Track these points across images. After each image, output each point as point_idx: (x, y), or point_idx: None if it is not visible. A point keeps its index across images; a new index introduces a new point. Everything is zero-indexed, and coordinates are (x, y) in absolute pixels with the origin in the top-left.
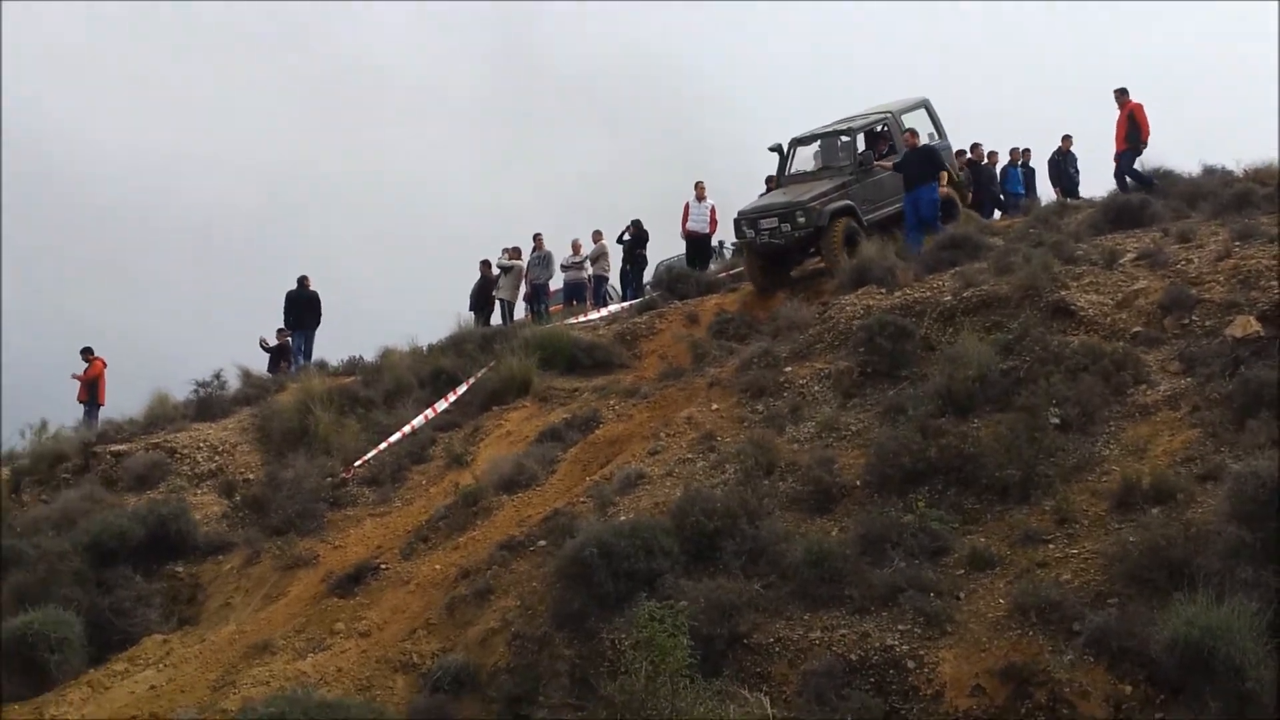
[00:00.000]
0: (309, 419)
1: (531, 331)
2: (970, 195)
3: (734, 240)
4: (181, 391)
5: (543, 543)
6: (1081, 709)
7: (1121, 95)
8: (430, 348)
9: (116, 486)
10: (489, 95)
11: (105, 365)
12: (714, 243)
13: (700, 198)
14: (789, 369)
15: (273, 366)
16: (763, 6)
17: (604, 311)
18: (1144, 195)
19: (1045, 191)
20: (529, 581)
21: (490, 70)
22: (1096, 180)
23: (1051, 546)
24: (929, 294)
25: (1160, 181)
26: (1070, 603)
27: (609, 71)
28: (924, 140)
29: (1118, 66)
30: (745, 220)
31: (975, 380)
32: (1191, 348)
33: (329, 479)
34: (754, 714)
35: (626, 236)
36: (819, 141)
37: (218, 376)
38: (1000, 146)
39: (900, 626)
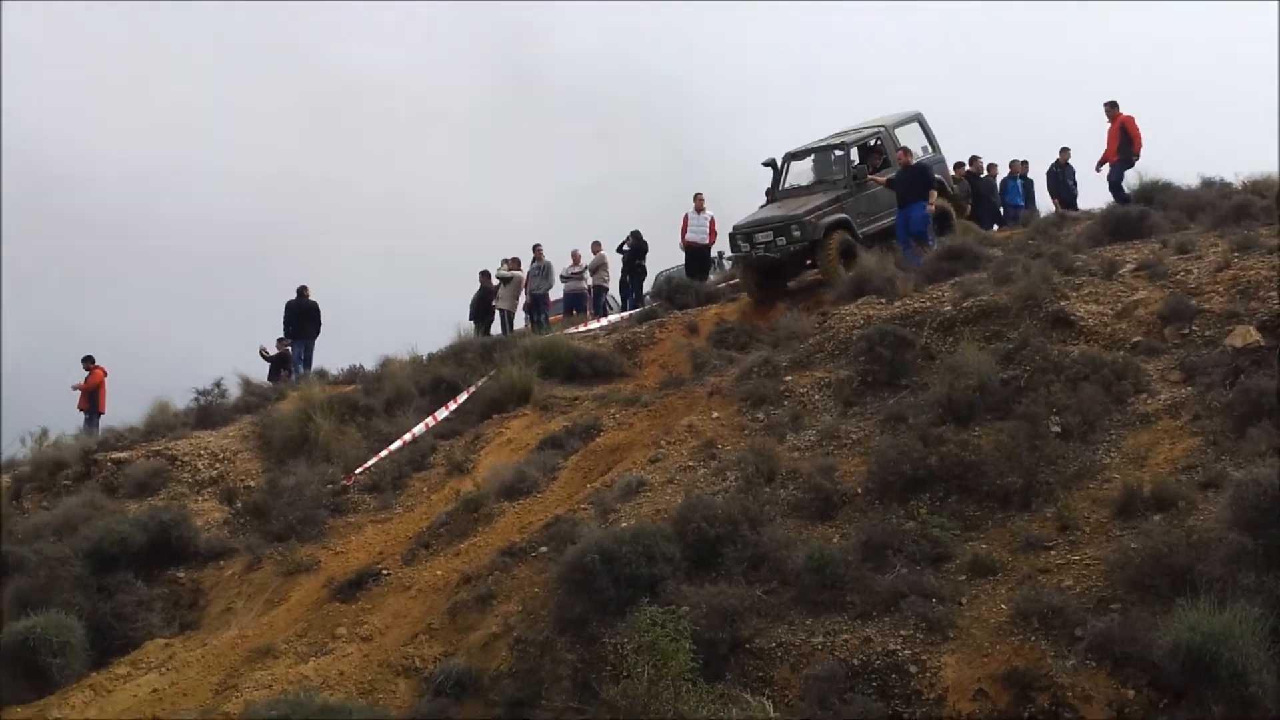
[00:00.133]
0: (309, 427)
1: (531, 341)
2: (969, 207)
3: (730, 254)
4: (182, 400)
5: (544, 549)
6: (1084, 713)
7: (1111, 108)
8: (430, 357)
9: (117, 493)
10: (489, 106)
11: (106, 374)
12: (713, 254)
13: (699, 209)
14: (789, 378)
15: (273, 375)
16: (763, 20)
17: (604, 321)
18: (1143, 207)
19: (1044, 203)
20: (531, 587)
21: (490, 82)
22: (1095, 192)
23: (1053, 553)
24: (929, 304)
25: (1158, 194)
26: (1072, 608)
27: (608, 83)
28: (917, 155)
29: (1113, 75)
30: (740, 234)
31: (976, 389)
32: (1191, 357)
33: (330, 486)
34: (756, 718)
35: (626, 247)
36: (813, 156)
37: (218, 385)
38: (995, 157)
39: (902, 631)
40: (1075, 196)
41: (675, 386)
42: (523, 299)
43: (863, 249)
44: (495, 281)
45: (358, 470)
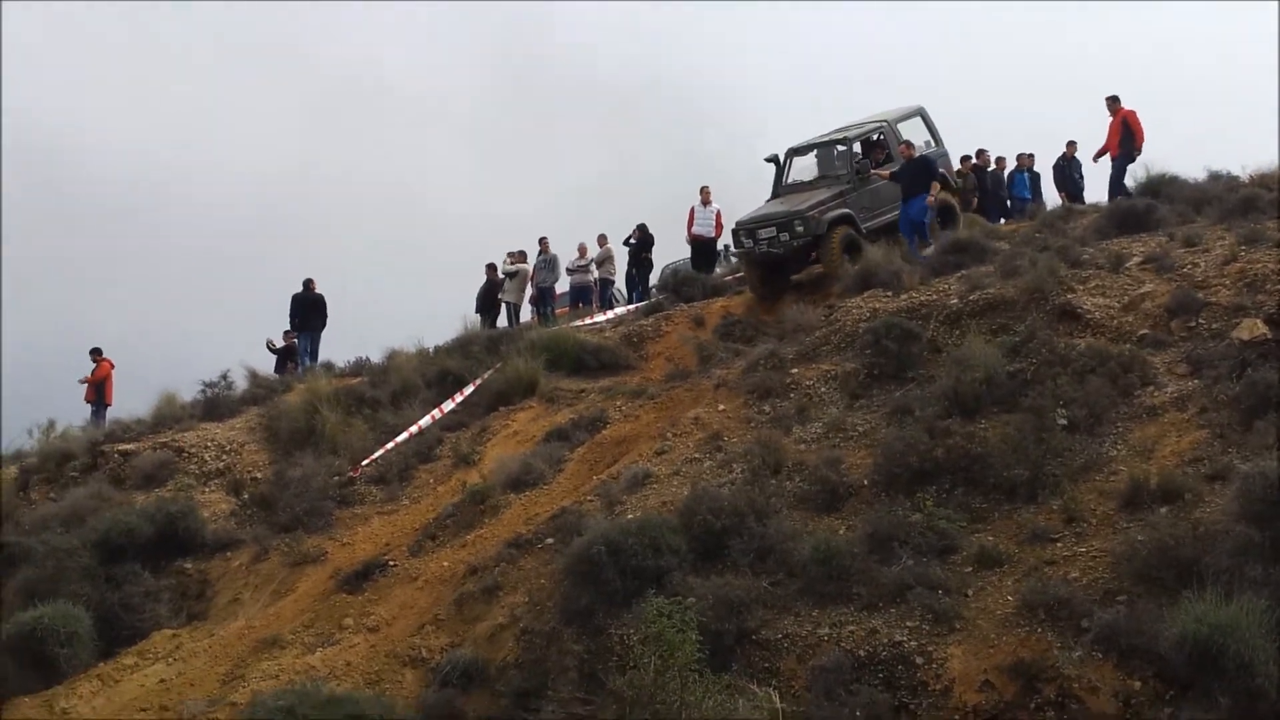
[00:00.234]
0: (316, 419)
1: (538, 333)
2: (975, 200)
3: (733, 250)
4: (189, 392)
5: (550, 540)
6: (1090, 704)
7: (1113, 103)
8: (437, 349)
9: (125, 485)
10: (495, 100)
11: (113, 366)
12: (719, 247)
13: (705, 202)
14: (795, 370)
15: (279, 368)
16: (765, 17)
17: (610, 314)
18: (1149, 200)
19: (1051, 196)
20: (537, 578)
21: (496, 76)
22: (1101, 185)
23: (1059, 545)
24: (935, 297)
25: (1164, 188)
26: (1079, 600)
27: (615, 77)
28: (920, 149)
29: (1114, 73)
30: (744, 230)
31: (982, 382)
32: (1198, 350)
33: (336, 478)
34: (763, 708)
35: (632, 240)
36: (815, 151)
37: (225, 377)
38: (998, 150)
39: (909, 623)
40: (1082, 190)
41: (681, 379)
42: (529, 292)
43: (866, 243)
44: (501, 275)
45: (364, 462)
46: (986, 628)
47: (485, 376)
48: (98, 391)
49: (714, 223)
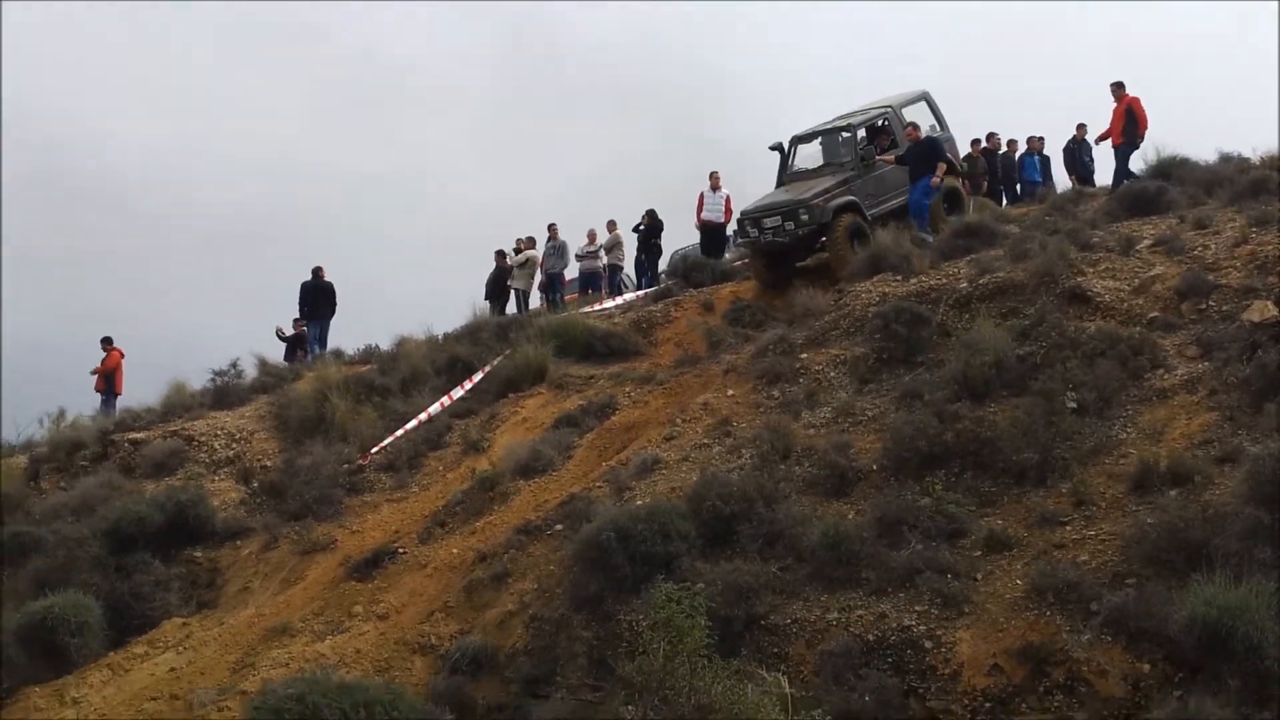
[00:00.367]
0: (326, 407)
1: (547, 320)
2: (986, 183)
3: (739, 240)
4: (198, 380)
5: (559, 527)
6: (1099, 688)
7: (1118, 89)
8: (446, 336)
9: (134, 474)
10: (504, 87)
11: (123, 356)
12: (728, 232)
13: (715, 187)
14: (805, 355)
15: (289, 355)
16: (782, 4)
17: (619, 300)
18: (1160, 183)
19: (1061, 179)
20: (546, 565)
21: (505, 62)
22: (1112, 168)
23: (1069, 528)
24: (945, 281)
25: (1175, 170)
26: (1088, 583)
27: (626, 62)
28: (925, 131)
29: (1127, 49)
30: (749, 220)
31: (991, 366)
32: (1208, 332)
33: (346, 465)
34: (772, 693)
35: (641, 226)
36: (820, 138)
37: (234, 365)
38: (1008, 132)
39: (918, 607)
40: (1092, 172)
41: (690, 365)
42: (538, 278)
43: (872, 231)
44: (511, 261)
45: (374, 450)
46: (995, 611)
47: (494, 363)
48: (108, 381)
49: (723, 208)
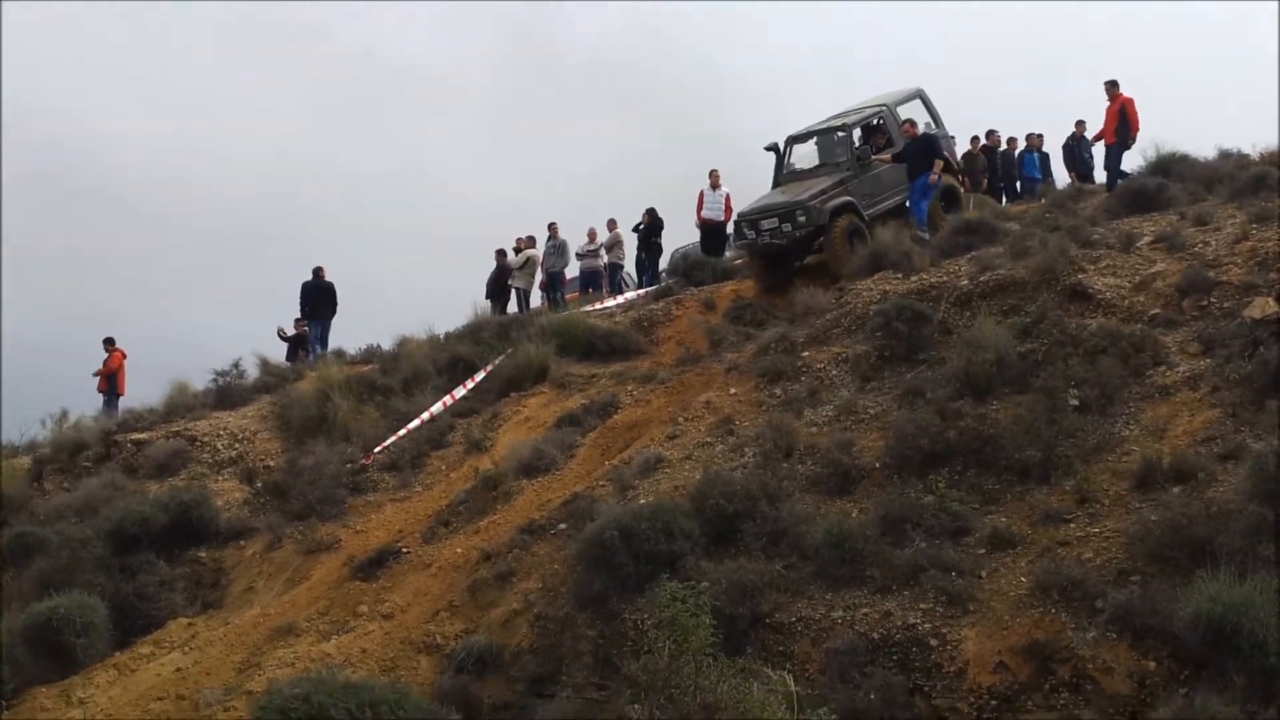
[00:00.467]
0: (328, 406)
1: (548, 319)
2: (986, 180)
3: (736, 242)
4: (201, 380)
5: (563, 526)
6: (1105, 685)
7: (1112, 87)
8: (447, 336)
9: (138, 474)
10: (504, 86)
11: (125, 356)
12: (729, 230)
13: (715, 186)
14: (806, 354)
15: (291, 356)
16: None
17: (620, 299)
18: (1160, 179)
19: (1061, 176)
20: (550, 564)
21: (505, 61)
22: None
23: (1072, 526)
24: (946, 279)
25: (1175, 166)
26: (1092, 581)
27: (625, 61)
28: (922, 128)
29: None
30: (746, 222)
31: (993, 363)
32: (1210, 329)
33: (349, 465)
34: (777, 691)
35: (641, 225)
36: (815, 138)
37: (236, 365)
38: (1008, 129)
39: (922, 605)
40: (1092, 169)
41: (692, 363)
42: (539, 277)
43: (869, 231)
44: (511, 260)
45: (376, 449)
46: (1000, 609)
47: (496, 362)
48: (110, 381)
49: (723, 206)
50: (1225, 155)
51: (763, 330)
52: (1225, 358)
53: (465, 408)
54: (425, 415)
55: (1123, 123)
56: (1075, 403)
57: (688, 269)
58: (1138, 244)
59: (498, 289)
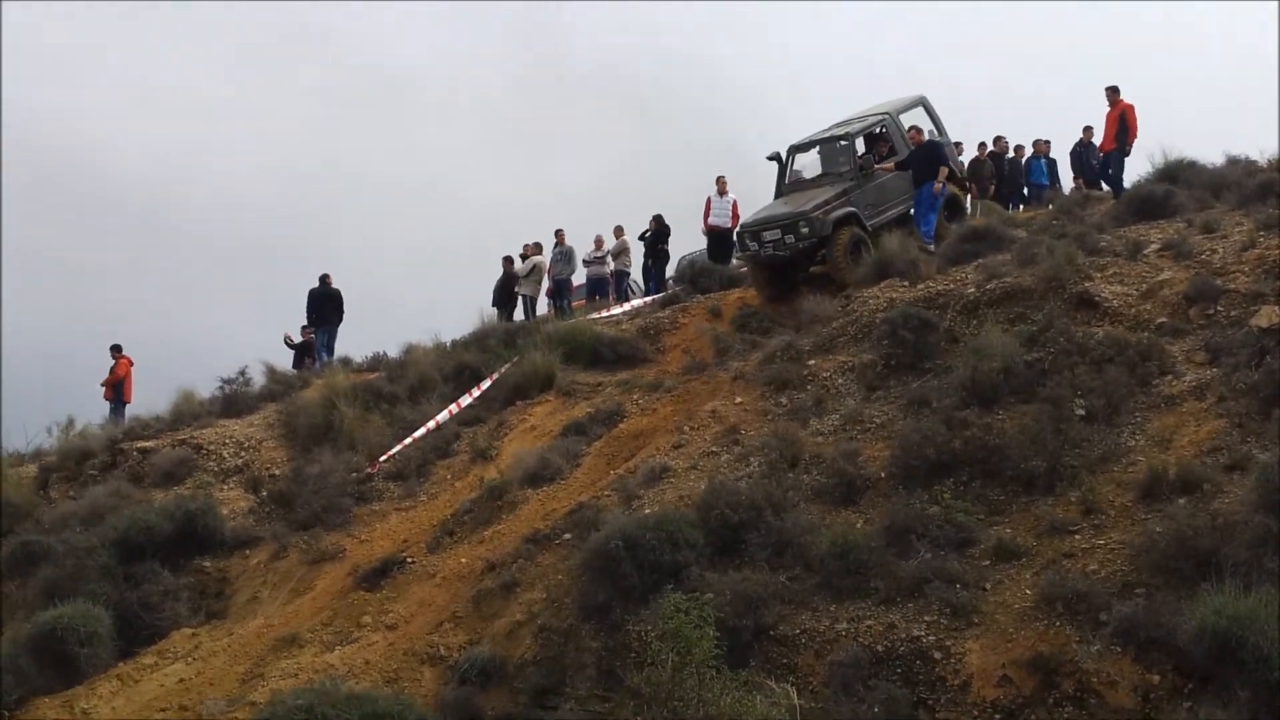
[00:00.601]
0: (334, 415)
1: (554, 326)
2: (993, 187)
3: (738, 254)
4: (207, 388)
5: (568, 536)
6: (1109, 699)
7: (1113, 93)
8: (454, 343)
9: (143, 482)
10: (511, 92)
11: (131, 364)
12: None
13: (722, 192)
14: (812, 362)
15: (297, 363)
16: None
17: (626, 306)
18: (1167, 186)
19: (1068, 182)
20: (555, 574)
21: (512, 67)
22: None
23: (1078, 537)
24: (952, 286)
25: (1182, 173)
26: (1097, 593)
27: (633, 67)
28: (927, 135)
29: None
30: (748, 233)
31: (999, 372)
32: (1217, 338)
33: (354, 474)
34: (780, 704)
35: (648, 232)
36: (818, 148)
37: (243, 373)
38: (1015, 136)
39: (927, 617)
40: (1099, 176)
41: (698, 371)
42: (545, 284)
43: (872, 242)
44: (517, 268)
45: (382, 458)
46: (1005, 621)
47: (502, 370)
48: (116, 389)
49: (730, 213)
50: (1233, 162)
51: (769, 338)
52: (1232, 367)
53: (471, 416)
54: (431, 424)
55: (1122, 129)
56: (1081, 412)
57: (694, 276)
58: (1145, 252)
59: (504, 296)
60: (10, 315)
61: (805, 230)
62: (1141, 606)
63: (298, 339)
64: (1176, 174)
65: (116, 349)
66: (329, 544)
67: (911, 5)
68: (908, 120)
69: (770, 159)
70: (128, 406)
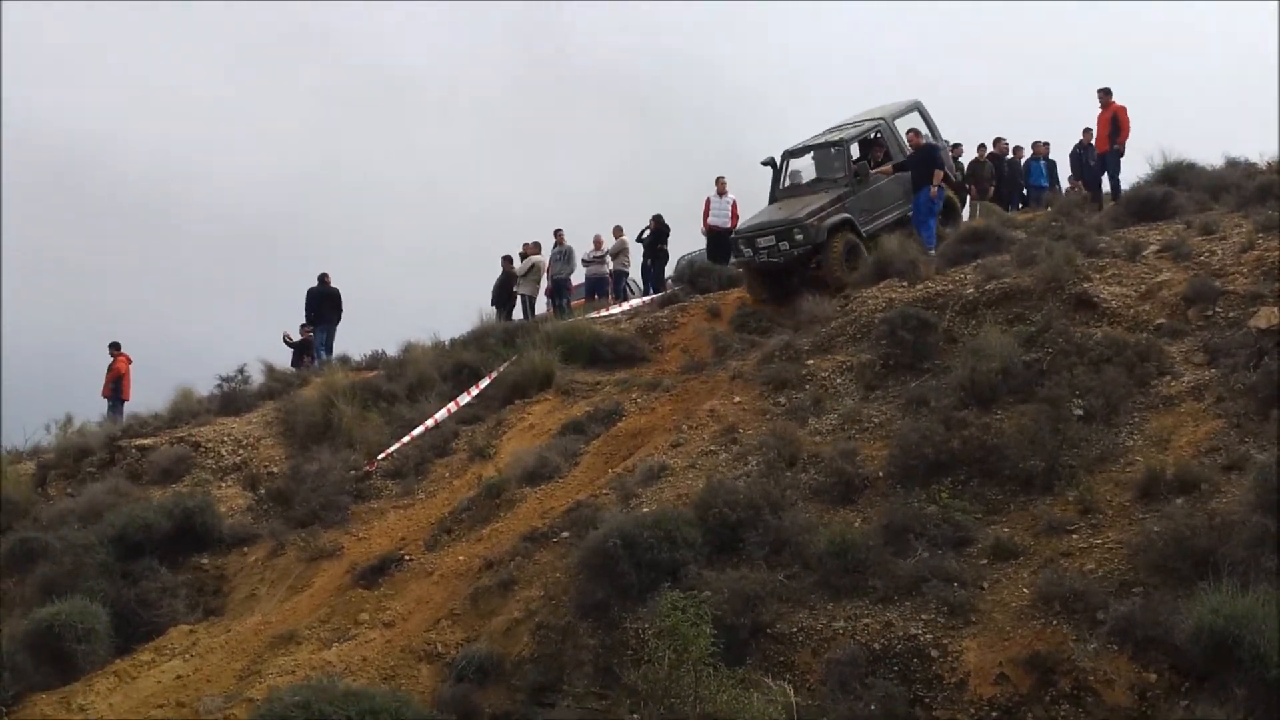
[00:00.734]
0: (332, 413)
1: (553, 325)
2: (991, 189)
3: (733, 260)
4: (205, 386)
5: (566, 534)
6: (1106, 697)
7: (1105, 95)
8: (452, 342)
9: (141, 480)
10: (512, 93)
11: (130, 361)
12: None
13: (721, 192)
14: (811, 362)
15: (296, 361)
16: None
17: (625, 306)
18: (1166, 188)
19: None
20: (552, 572)
21: (514, 68)
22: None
23: (1075, 536)
24: (951, 287)
25: (1182, 175)
26: (1094, 592)
27: (635, 69)
28: (926, 138)
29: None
30: (743, 239)
31: (998, 372)
32: (1215, 339)
33: (352, 472)
34: (778, 702)
35: (647, 233)
36: (812, 153)
37: (241, 371)
38: (1011, 138)
39: (924, 616)
40: (1099, 177)
41: (697, 371)
42: (544, 284)
43: (868, 248)
44: (516, 267)
45: (380, 456)
46: (1002, 620)
47: (501, 369)
48: (115, 386)
49: (730, 213)
50: (1232, 164)
51: (768, 338)
52: (1230, 368)
53: (470, 414)
54: (429, 422)
55: (1115, 130)
56: (1079, 412)
57: (693, 276)
58: (1144, 253)
59: (503, 295)
60: (10, 315)
61: (800, 237)
62: (1139, 605)
63: (296, 337)
64: (1175, 176)
65: (115, 347)
66: (327, 541)
67: (911, 5)
68: (903, 124)
69: (765, 164)
70: (126, 404)
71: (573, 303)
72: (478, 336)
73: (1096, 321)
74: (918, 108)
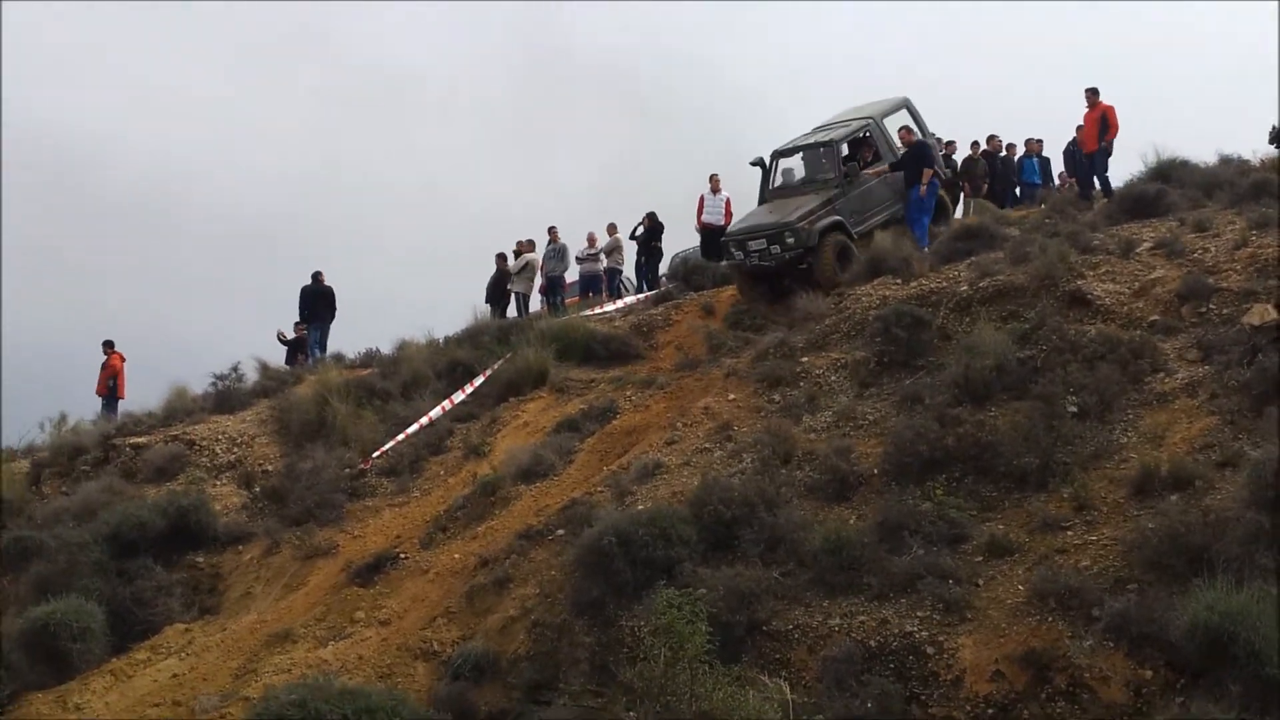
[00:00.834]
0: (327, 411)
1: (547, 323)
2: (985, 186)
3: (724, 262)
4: (200, 384)
5: (561, 532)
6: (1102, 694)
7: (1093, 95)
8: (447, 340)
9: (136, 478)
10: (512, 93)
11: (124, 360)
12: None
13: (715, 190)
14: (805, 359)
15: (290, 359)
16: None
17: (620, 303)
18: (1160, 185)
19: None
20: (548, 570)
21: (514, 68)
22: (1114, 171)
23: (1070, 533)
24: (945, 284)
25: (1175, 172)
26: (1089, 589)
27: (635, 69)
28: (918, 135)
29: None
30: (733, 242)
31: (992, 369)
32: (1209, 336)
33: (347, 470)
34: (773, 699)
35: (640, 230)
36: (801, 153)
37: (235, 369)
38: (1012, 136)
39: (919, 613)
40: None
41: (691, 368)
42: (538, 281)
43: (857, 249)
44: (510, 265)
45: (375, 454)
46: (997, 617)
47: (495, 367)
48: (109, 385)
49: (724, 211)
50: (1225, 161)
51: (762, 335)
52: (1224, 364)
53: (464, 412)
54: (424, 420)
55: (1104, 129)
56: (1074, 409)
57: (688, 273)
58: (1137, 250)
59: (497, 293)
60: (10, 315)
61: (791, 240)
62: (1134, 602)
63: (290, 335)
64: (1169, 173)
65: (109, 345)
66: (322, 540)
67: (911, 5)
68: (892, 123)
69: (754, 164)
70: (120, 402)
71: (567, 300)
72: (472, 334)
73: (1090, 319)
74: (906, 105)
